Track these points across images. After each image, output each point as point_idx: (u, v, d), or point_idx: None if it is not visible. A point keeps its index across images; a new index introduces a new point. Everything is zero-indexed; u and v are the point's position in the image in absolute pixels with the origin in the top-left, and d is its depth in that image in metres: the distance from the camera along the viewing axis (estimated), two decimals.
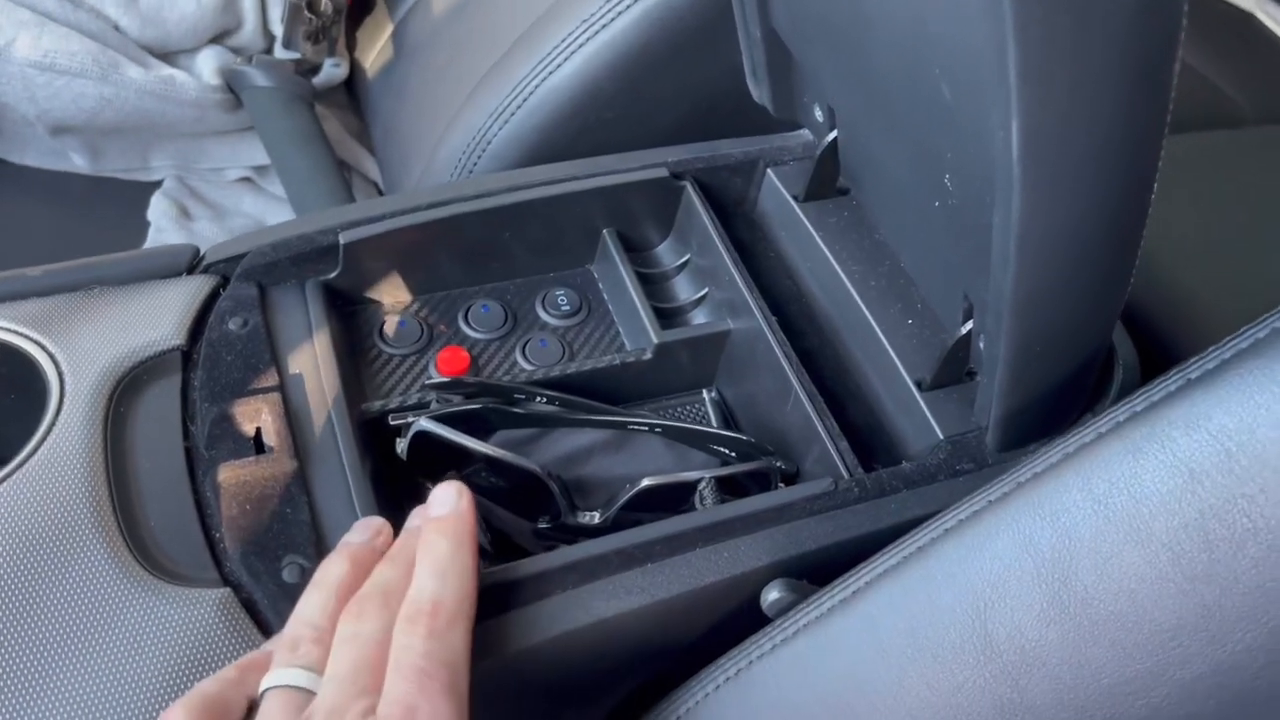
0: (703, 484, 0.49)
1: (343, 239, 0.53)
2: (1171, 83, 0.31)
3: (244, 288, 0.53)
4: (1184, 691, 0.34)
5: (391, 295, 0.58)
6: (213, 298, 0.52)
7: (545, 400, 0.52)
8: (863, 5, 0.41)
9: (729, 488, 0.51)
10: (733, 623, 0.45)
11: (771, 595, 0.43)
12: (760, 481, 0.52)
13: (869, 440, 0.53)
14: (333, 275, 0.55)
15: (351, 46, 0.95)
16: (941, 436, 0.50)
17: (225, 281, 0.53)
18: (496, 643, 0.42)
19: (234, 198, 0.89)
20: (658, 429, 0.53)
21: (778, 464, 0.51)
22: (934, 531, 0.39)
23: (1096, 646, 0.35)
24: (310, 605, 0.39)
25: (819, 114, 0.57)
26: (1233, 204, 0.87)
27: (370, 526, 0.43)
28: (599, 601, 0.43)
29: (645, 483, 0.48)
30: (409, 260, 0.56)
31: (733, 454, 0.53)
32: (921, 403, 0.51)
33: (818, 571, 0.45)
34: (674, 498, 0.50)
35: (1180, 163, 0.91)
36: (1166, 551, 0.34)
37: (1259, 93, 1.08)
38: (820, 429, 0.50)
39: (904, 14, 0.37)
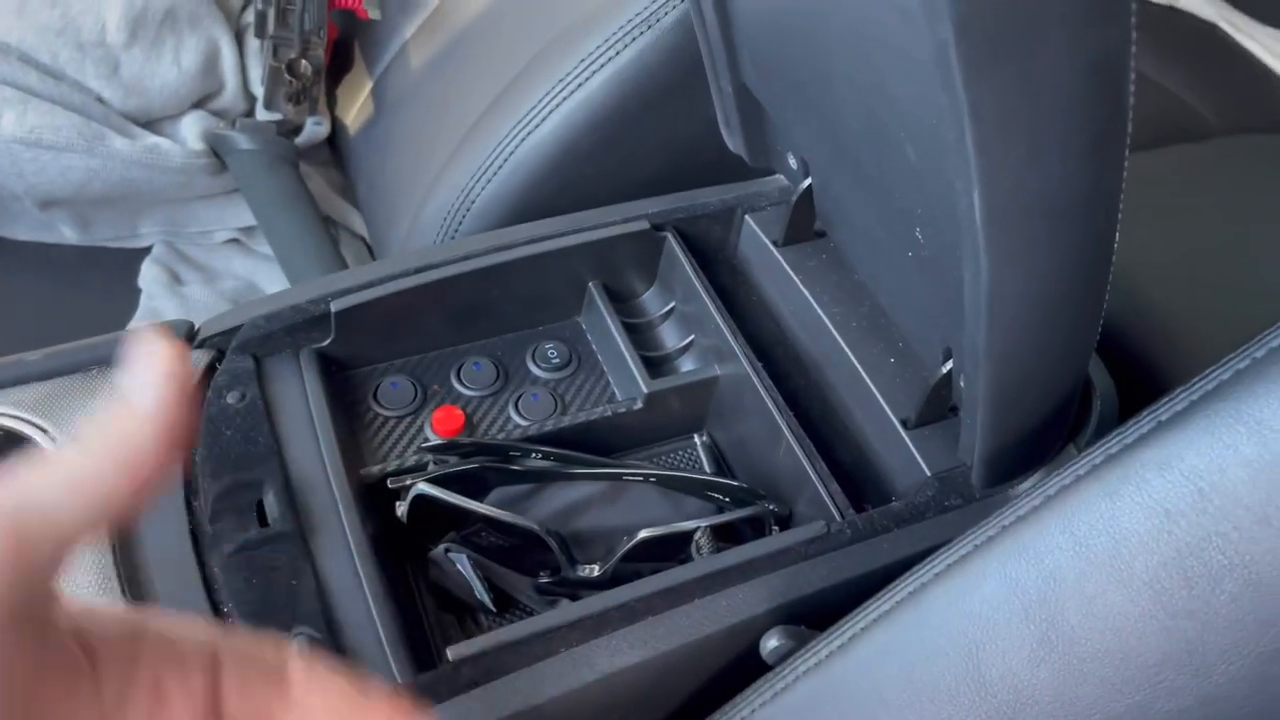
0: (698, 533, 0.50)
1: (334, 307, 0.55)
2: (1125, 139, 0.33)
3: (240, 360, 0.54)
4: None
5: (384, 358, 0.59)
6: (209, 372, 0.53)
7: (540, 456, 0.53)
8: (827, 65, 0.42)
9: (725, 534, 0.52)
10: (734, 671, 0.46)
11: (771, 643, 0.44)
12: (755, 526, 0.53)
13: (858, 479, 0.54)
14: (326, 343, 0.56)
15: (332, 104, 0.96)
16: (929, 473, 0.51)
17: (221, 355, 0.54)
18: (501, 703, 0.43)
19: (223, 260, 0.90)
20: (652, 479, 0.54)
21: (771, 508, 0.53)
22: (924, 576, 0.40)
23: (1085, 684, 0.36)
24: None
25: (793, 162, 0.58)
26: (1205, 217, 0.89)
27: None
28: (602, 658, 0.44)
29: (643, 534, 0.49)
30: (400, 323, 0.57)
31: (727, 499, 0.55)
32: (908, 441, 0.52)
33: (815, 615, 0.46)
34: (671, 547, 0.51)
35: (1150, 179, 0.93)
36: (1148, 590, 0.35)
37: (1225, 103, 1.10)
38: (811, 472, 0.51)
39: (867, 78, 0.39)
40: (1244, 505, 0.33)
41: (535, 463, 0.53)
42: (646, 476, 0.54)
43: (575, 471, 0.54)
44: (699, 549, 0.50)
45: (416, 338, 0.59)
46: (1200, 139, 1.03)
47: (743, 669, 0.46)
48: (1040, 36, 0.27)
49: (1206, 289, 0.79)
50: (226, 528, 0.47)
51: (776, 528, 0.53)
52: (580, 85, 0.63)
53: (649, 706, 0.46)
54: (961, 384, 0.49)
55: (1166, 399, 0.37)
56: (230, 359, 0.54)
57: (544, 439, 0.56)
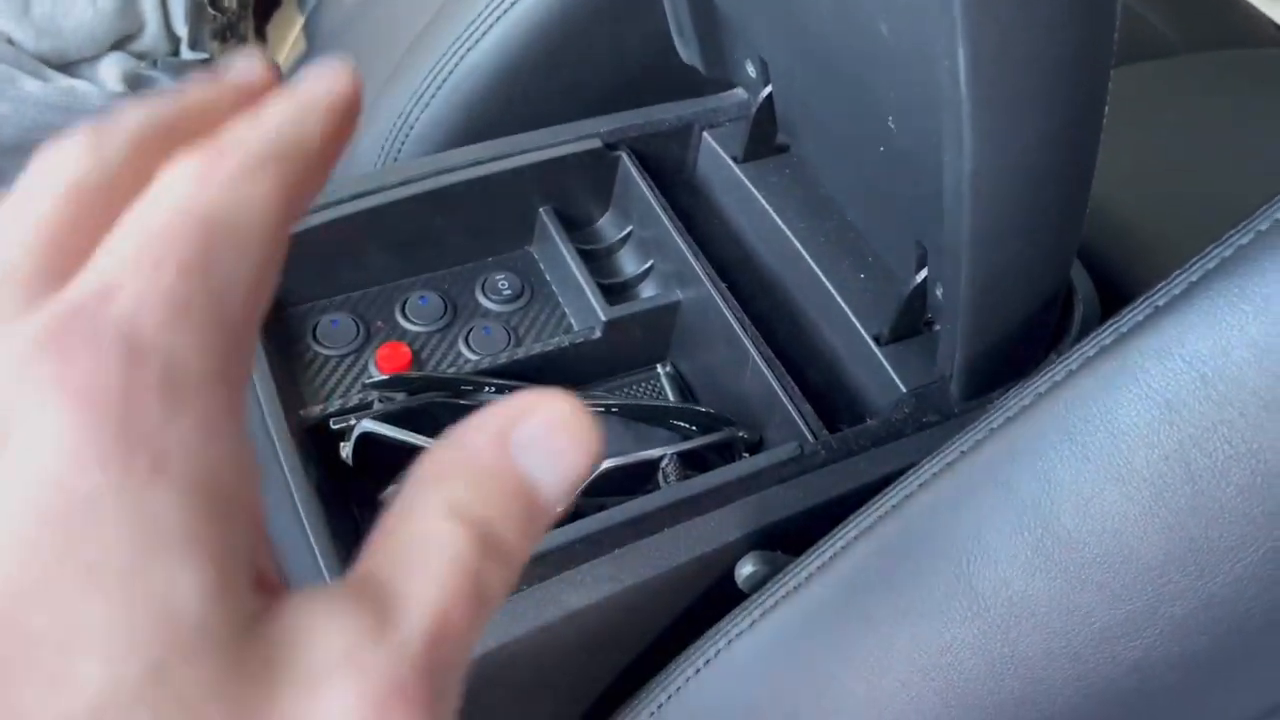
0: (665, 461, 0.47)
1: None
2: (1116, 4, 0.30)
3: None
4: (1177, 628, 0.33)
5: (322, 294, 0.55)
6: None
7: (493, 389, 0.50)
8: None
9: (693, 463, 0.49)
10: (709, 602, 0.44)
11: (746, 569, 0.42)
12: (724, 454, 0.50)
13: (832, 400, 0.52)
14: None
15: (264, 44, 0.91)
16: (905, 390, 0.48)
17: None
18: None
19: None
20: (614, 409, 0.51)
21: (740, 434, 0.50)
22: (908, 487, 0.37)
23: (1084, 591, 0.34)
24: None
25: (751, 70, 0.55)
26: (1170, 134, 0.87)
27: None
28: (568, 593, 0.41)
29: (606, 465, 0.46)
30: (336, 256, 0.54)
31: (694, 428, 0.52)
32: (881, 357, 0.50)
33: (791, 540, 0.44)
34: (637, 478, 0.48)
35: (1115, 97, 0.91)
36: (1148, 487, 0.32)
37: (1186, 22, 1.08)
38: (781, 393, 0.49)
39: None
40: (1250, 390, 0.31)
41: (489, 396, 0.50)
42: (609, 407, 0.51)
43: None
44: (666, 478, 0.47)
45: (356, 272, 0.55)
46: (1163, 56, 1.01)
47: (719, 598, 0.43)
48: None
49: (1174, 201, 0.77)
50: None
51: (747, 454, 0.50)
52: None
53: (622, 642, 0.44)
54: (939, 292, 0.46)
55: (1163, 283, 0.34)
56: None
57: (497, 373, 0.52)
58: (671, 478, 0.47)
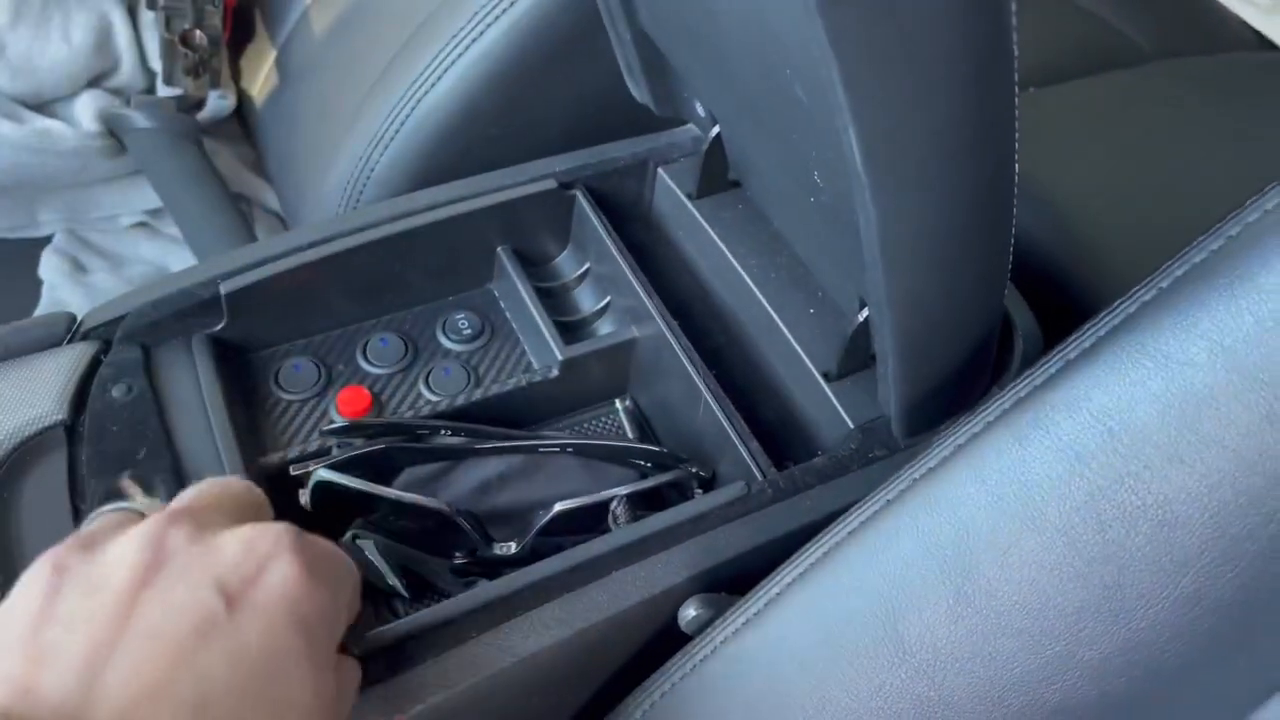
0: (614, 503, 0.48)
1: (223, 289, 0.52)
2: (1013, 67, 0.31)
3: (126, 351, 0.51)
4: (1095, 672, 0.34)
5: (285, 339, 0.56)
6: (94, 365, 0.50)
7: (449, 432, 0.51)
8: (711, 5, 0.40)
9: (649, 501, 0.50)
10: (658, 644, 0.45)
11: (689, 613, 0.43)
12: (680, 491, 0.51)
13: (782, 435, 0.53)
14: (219, 327, 0.53)
15: (237, 76, 0.92)
16: (852, 426, 0.49)
17: (107, 346, 0.51)
18: (414, 694, 0.41)
19: (130, 245, 0.86)
20: (569, 448, 0.52)
21: (694, 470, 0.51)
22: (838, 535, 0.38)
23: (1004, 637, 0.35)
24: None
25: (700, 109, 0.56)
26: (1135, 143, 0.87)
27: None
28: (517, 640, 0.42)
29: (558, 507, 0.47)
30: (298, 302, 0.55)
31: (649, 464, 0.53)
32: (829, 393, 0.50)
33: (737, 580, 0.45)
34: (592, 518, 0.49)
35: (1082, 106, 0.91)
36: (1061, 536, 0.33)
37: (1155, 28, 1.08)
38: (730, 432, 0.50)
39: (751, 18, 0.36)
40: (1154, 443, 0.32)
41: (446, 439, 0.51)
42: (563, 447, 0.52)
43: (488, 446, 0.51)
44: (615, 520, 0.48)
45: (318, 316, 0.56)
46: (1134, 64, 1.01)
47: (667, 639, 0.44)
48: None
49: (1138, 215, 0.78)
50: None
51: (700, 491, 0.51)
52: (475, 40, 0.60)
53: (571, 686, 0.45)
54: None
55: (1075, 336, 0.35)
56: (116, 350, 0.51)
57: (457, 414, 0.53)
58: (621, 519, 0.48)
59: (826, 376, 0.51)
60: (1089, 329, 0.34)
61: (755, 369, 0.55)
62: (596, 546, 0.45)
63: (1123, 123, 0.90)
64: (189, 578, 0.31)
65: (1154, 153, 0.86)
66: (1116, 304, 0.34)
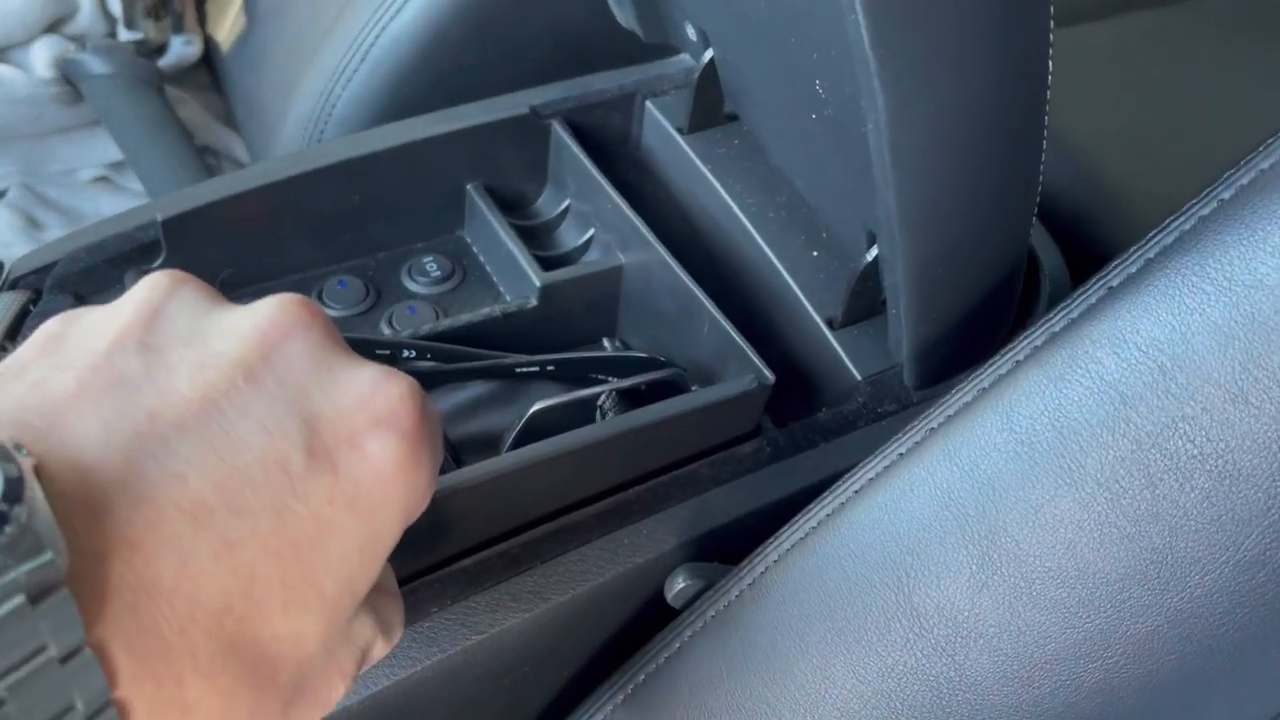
0: (604, 398, 0.43)
1: (159, 215, 0.47)
2: None
3: (58, 300, 0.46)
4: (1139, 648, 0.29)
5: (233, 285, 0.51)
6: (22, 316, 0.46)
7: (416, 355, 0.46)
8: None
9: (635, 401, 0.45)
10: (643, 618, 0.40)
11: (677, 584, 0.38)
12: (670, 393, 0.46)
13: (782, 389, 0.48)
14: (157, 263, 0.48)
15: (203, 21, 0.87)
16: (859, 377, 0.45)
17: (37, 296, 0.47)
18: (366, 678, 0.36)
19: (90, 200, 0.81)
20: (549, 366, 0.47)
21: (684, 371, 0.46)
22: (843, 495, 0.34)
23: (1036, 610, 0.30)
24: None
25: (692, 33, 0.51)
26: (1158, 85, 0.82)
27: None
28: (483, 615, 0.38)
29: (536, 407, 0.42)
30: (246, 241, 0.50)
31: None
32: (834, 342, 0.46)
33: (731, 547, 0.40)
34: (574, 423, 0.44)
35: (1103, 49, 0.86)
36: (1103, 492, 0.29)
37: None
38: (737, 339, 0.44)
39: None
40: (1214, 381, 0.27)
41: (413, 363, 0.46)
42: (543, 365, 0.47)
43: (459, 367, 0.46)
44: (603, 413, 0.43)
45: (269, 258, 0.51)
46: (1154, 5, 0.96)
47: (652, 615, 0.40)
48: None
49: (1165, 158, 0.73)
50: None
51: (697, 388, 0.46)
52: None
53: (545, 665, 0.40)
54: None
55: (1118, 260, 0.30)
56: (47, 300, 0.46)
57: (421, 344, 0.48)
58: (610, 414, 0.43)
59: (831, 324, 0.46)
60: (1135, 251, 0.29)
61: (752, 317, 0.50)
62: (575, 517, 0.40)
63: (1148, 63, 0.85)
64: (277, 409, 0.24)
65: (1180, 93, 0.80)
66: (1169, 220, 0.29)
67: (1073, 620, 0.30)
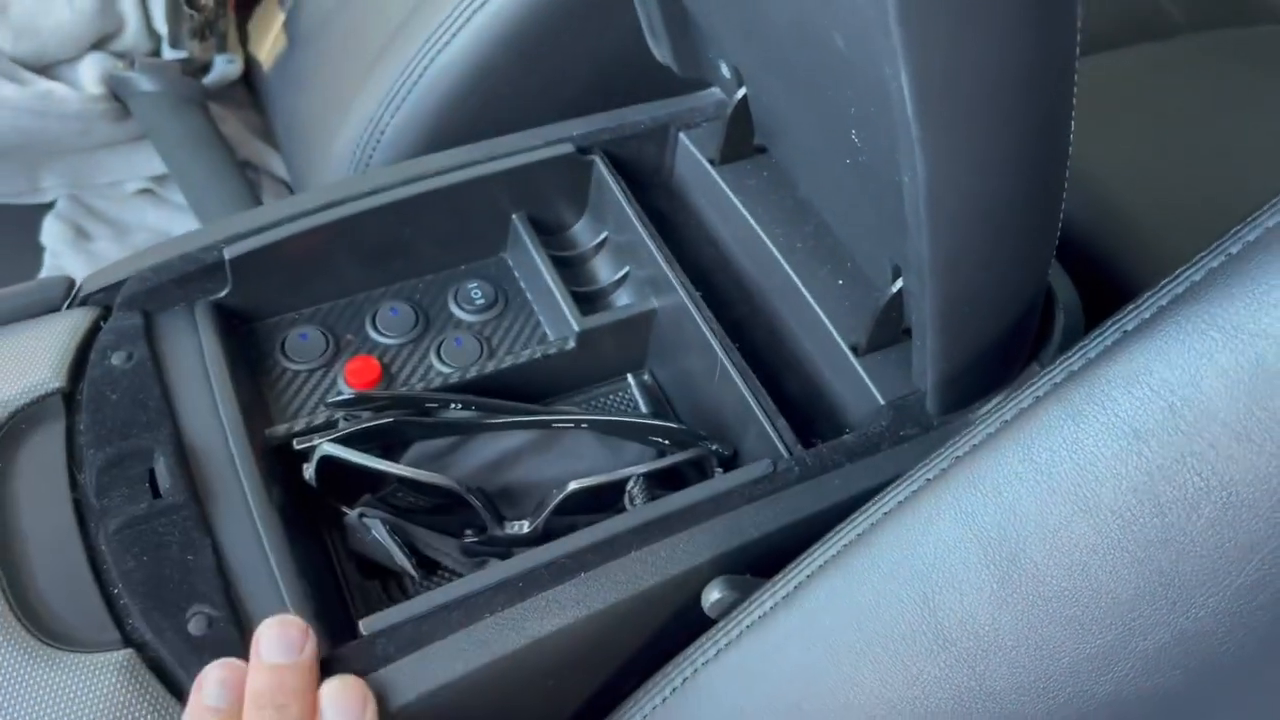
0: (631, 483, 0.46)
1: (228, 255, 0.50)
2: (1076, 6, 0.28)
3: (127, 317, 0.49)
4: (1148, 663, 0.32)
5: (291, 307, 0.54)
6: (93, 332, 0.48)
7: (461, 406, 0.49)
8: None
9: (667, 480, 0.48)
10: (679, 626, 0.43)
11: (712, 596, 0.41)
12: (699, 469, 0.49)
13: (808, 411, 0.51)
14: (223, 294, 0.51)
15: (244, 41, 0.90)
16: (882, 402, 0.47)
17: (107, 312, 0.50)
18: (427, 674, 0.39)
19: (135, 212, 0.84)
20: (584, 424, 0.50)
21: (713, 448, 0.49)
22: (873, 516, 0.36)
23: (1052, 625, 0.32)
24: None
25: (725, 70, 0.53)
26: (1172, 117, 0.84)
27: (290, 641, 0.38)
28: (533, 620, 0.40)
29: (572, 486, 0.45)
30: (304, 268, 0.53)
31: (666, 442, 0.51)
32: (859, 367, 0.48)
33: (762, 561, 0.43)
34: (608, 497, 0.47)
35: (1116, 80, 0.88)
36: (1116, 519, 0.31)
37: (1189, 1, 1.05)
38: (755, 407, 0.48)
39: None
40: (1220, 420, 0.29)
41: (457, 414, 0.49)
42: (578, 422, 0.50)
43: (500, 421, 0.49)
44: (632, 500, 0.46)
45: (326, 283, 0.54)
46: (1167, 36, 0.99)
47: (687, 622, 0.42)
48: None
49: (1177, 191, 0.75)
50: (114, 500, 0.43)
51: (721, 470, 0.49)
52: None
53: (587, 667, 0.43)
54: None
55: (1132, 306, 0.33)
56: (116, 316, 0.49)
57: (469, 386, 0.51)
58: (638, 500, 0.46)
59: (855, 350, 0.49)
60: (1148, 298, 0.32)
61: (780, 342, 0.53)
62: (615, 525, 0.43)
63: (1156, 95, 0.87)
64: None
65: (1188, 125, 0.83)
66: (1179, 271, 0.32)
67: (1086, 636, 0.32)
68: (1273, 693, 0.32)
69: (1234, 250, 0.30)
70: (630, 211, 0.55)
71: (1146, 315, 0.32)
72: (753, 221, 0.54)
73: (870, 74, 0.31)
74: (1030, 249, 0.36)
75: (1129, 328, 0.32)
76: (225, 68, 0.86)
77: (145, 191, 0.85)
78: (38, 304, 0.49)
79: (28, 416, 0.45)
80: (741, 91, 0.53)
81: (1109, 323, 0.33)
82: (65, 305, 0.50)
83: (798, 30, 0.37)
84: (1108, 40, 0.96)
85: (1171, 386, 0.30)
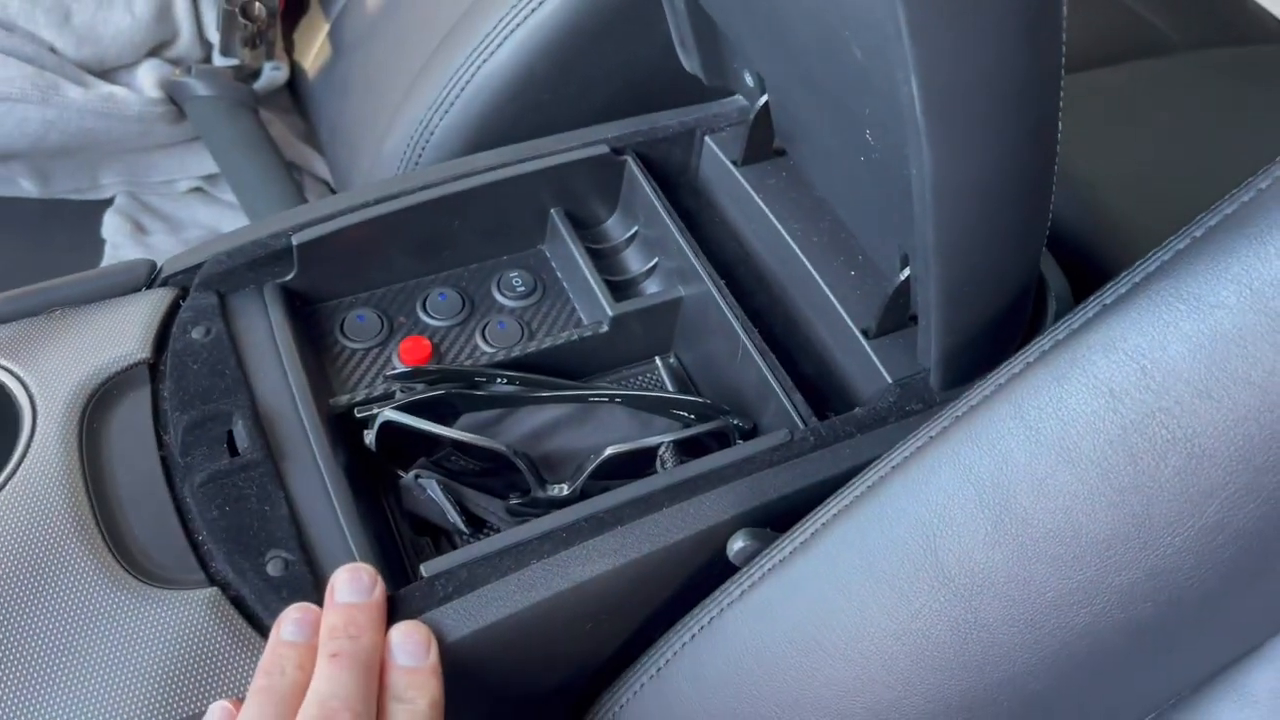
0: (662, 448, 0.51)
1: (295, 241, 0.55)
2: (1061, 24, 0.33)
3: (204, 297, 0.54)
4: (1122, 597, 0.36)
5: (349, 291, 0.59)
6: (174, 310, 0.53)
7: (506, 380, 0.54)
8: None
9: (690, 449, 0.53)
10: (704, 575, 0.47)
11: (737, 544, 0.45)
12: (720, 440, 0.54)
13: (822, 389, 0.55)
14: (290, 277, 0.56)
15: (290, 48, 0.95)
16: (890, 380, 0.52)
17: (185, 293, 0.54)
18: (476, 613, 0.44)
19: (187, 209, 0.89)
20: (618, 399, 0.55)
21: (734, 422, 0.53)
22: (883, 469, 0.41)
23: (1038, 563, 0.37)
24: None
25: (749, 80, 0.58)
26: (1164, 131, 0.89)
27: (361, 584, 0.43)
28: (575, 566, 0.45)
29: (609, 451, 0.50)
30: (363, 256, 0.58)
31: (692, 416, 0.55)
32: (869, 350, 0.53)
33: (781, 519, 0.47)
34: (639, 463, 0.52)
35: (1111, 93, 0.93)
36: (1095, 468, 0.36)
37: (1186, 19, 1.10)
38: (774, 383, 0.52)
39: None
40: (1184, 380, 0.34)
41: (502, 388, 0.54)
42: (612, 397, 0.55)
43: (541, 395, 0.54)
44: (663, 464, 0.51)
45: (380, 270, 0.59)
46: (1161, 54, 1.03)
47: (713, 573, 0.47)
48: None
49: (1165, 195, 0.80)
50: (197, 458, 0.48)
51: (741, 441, 0.54)
52: (534, 10, 0.63)
53: (623, 611, 0.48)
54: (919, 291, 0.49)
55: (1112, 283, 0.37)
56: (194, 295, 0.54)
57: (511, 365, 0.56)
58: (669, 463, 0.51)
59: (866, 334, 0.53)
60: (1125, 276, 0.37)
61: (796, 327, 0.58)
62: (649, 484, 0.47)
63: (1151, 109, 0.92)
64: None
65: (1181, 138, 0.87)
66: (1152, 253, 0.36)
67: (1068, 572, 0.37)
68: (1233, 622, 0.37)
69: (1198, 234, 0.35)
70: (660, 207, 0.59)
71: (1123, 290, 0.36)
72: (773, 218, 0.59)
73: (884, 81, 0.36)
74: (1024, 235, 0.41)
75: (1108, 301, 0.37)
76: (272, 74, 0.91)
77: (196, 190, 0.91)
78: (124, 284, 0.54)
79: (117, 384, 0.50)
80: (763, 99, 0.58)
81: (1091, 298, 0.38)
82: (147, 285, 0.55)
83: (819, 44, 0.42)
84: (1105, 58, 1.00)
85: (1143, 351, 0.35)
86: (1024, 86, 0.33)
